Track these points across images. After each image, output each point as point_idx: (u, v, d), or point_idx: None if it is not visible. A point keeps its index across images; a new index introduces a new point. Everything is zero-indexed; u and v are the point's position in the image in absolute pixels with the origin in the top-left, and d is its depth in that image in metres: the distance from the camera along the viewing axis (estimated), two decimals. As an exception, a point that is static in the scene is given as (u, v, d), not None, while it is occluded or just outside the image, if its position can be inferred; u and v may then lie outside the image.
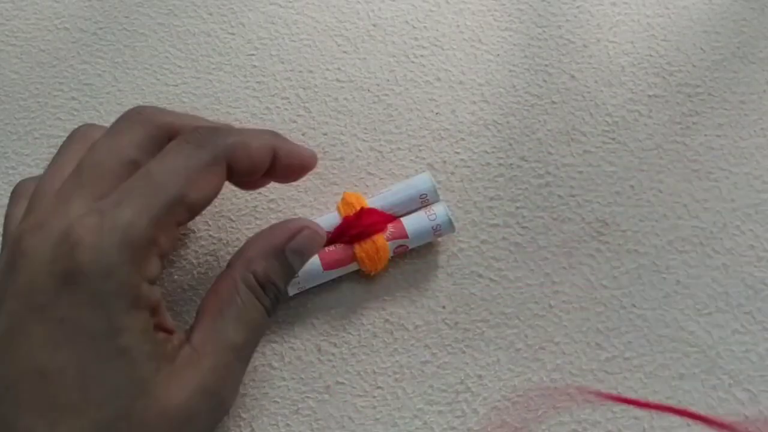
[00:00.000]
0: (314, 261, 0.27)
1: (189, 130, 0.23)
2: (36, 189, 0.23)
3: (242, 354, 0.23)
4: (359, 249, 0.27)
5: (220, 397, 0.22)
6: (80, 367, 0.20)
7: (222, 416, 0.23)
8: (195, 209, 0.22)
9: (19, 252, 0.20)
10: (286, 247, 0.24)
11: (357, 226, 0.27)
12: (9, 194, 0.31)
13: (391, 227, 0.27)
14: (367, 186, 0.30)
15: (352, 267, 0.27)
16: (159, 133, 0.23)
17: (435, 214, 0.27)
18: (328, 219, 0.27)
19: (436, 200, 0.28)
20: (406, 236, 0.27)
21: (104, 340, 0.20)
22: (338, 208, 0.28)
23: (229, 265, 0.24)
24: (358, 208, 0.27)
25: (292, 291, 0.27)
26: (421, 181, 0.28)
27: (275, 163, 0.24)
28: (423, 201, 0.28)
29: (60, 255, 0.20)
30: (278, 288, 0.24)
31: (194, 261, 0.29)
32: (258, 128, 0.26)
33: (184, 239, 0.29)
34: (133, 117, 0.23)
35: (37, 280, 0.20)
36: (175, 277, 0.28)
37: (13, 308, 0.20)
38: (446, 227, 0.27)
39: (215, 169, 0.22)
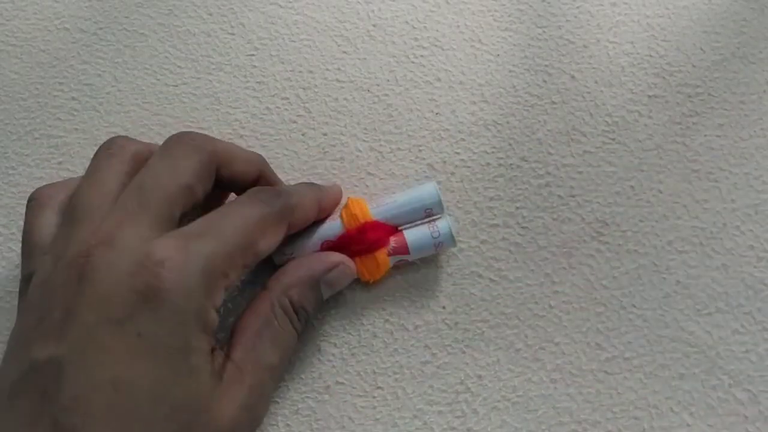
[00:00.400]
0: None
1: (258, 189, 0.25)
2: (77, 202, 0.23)
3: (275, 374, 0.25)
4: (360, 263, 0.27)
5: (257, 414, 0.24)
6: (154, 380, 0.20)
7: (255, 430, 0.25)
8: (259, 255, 0.24)
9: (90, 266, 0.21)
10: (322, 278, 0.26)
11: (360, 242, 0.27)
12: (9, 194, 0.31)
13: (393, 241, 0.27)
14: (367, 186, 0.30)
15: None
16: (210, 160, 0.24)
17: (438, 231, 0.27)
18: (332, 228, 0.27)
19: (441, 213, 0.28)
20: (407, 252, 0.27)
21: (179, 357, 0.21)
22: (341, 216, 0.27)
23: (267, 287, 0.26)
24: (362, 222, 0.27)
25: None
26: (427, 194, 0.27)
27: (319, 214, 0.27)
28: (427, 213, 0.27)
29: (143, 272, 0.21)
30: (308, 314, 0.26)
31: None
32: (303, 184, 0.28)
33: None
34: (186, 142, 0.24)
35: (116, 294, 0.20)
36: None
37: (88, 320, 0.20)
38: (448, 243, 0.27)
39: (281, 224, 0.24)
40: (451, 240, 0.27)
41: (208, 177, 0.24)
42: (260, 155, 0.27)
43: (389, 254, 0.27)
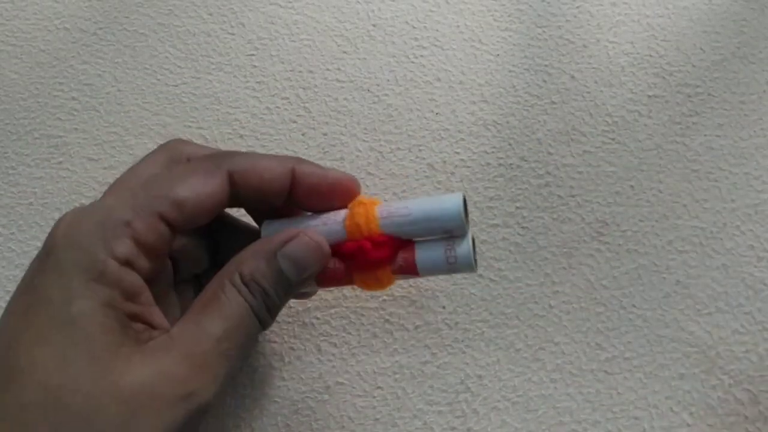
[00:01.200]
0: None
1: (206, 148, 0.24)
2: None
3: (222, 348, 0.22)
4: (359, 278, 0.24)
5: (191, 389, 0.21)
6: (33, 330, 0.20)
7: (198, 414, 0.21)
8: (183, 206, 0.22)
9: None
10: (279, 251, 0.23)
11: (362, 261, 0.24)
12: (9, 194, 0.31)
13: (401, 259, 0.24)
14: (367, 186, 0.30)
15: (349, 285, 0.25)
16: (181, 157, 0.24)
17: (456, 255, 0.23)
18: (332, 231, 0.24)
19: (463, 233, 0.23)
20: (415, 273, 0.24)
21: (59, 307, 0.20)
22: (344, 221, 0.24)
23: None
24: (365, 235, 0.23)
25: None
26: (449, 213, 0.23)
27: (297, 186, 0.24)
28: (446, 233, 0.23)
29: (50, 232, 0.22)
30: (265, 291, 0.23)
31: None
32: (283, 155, 0.25)
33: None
34: (164, 146, 0.25)
35: (34, 260, 0.22)
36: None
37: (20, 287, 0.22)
38: (465, 269, 0.23)
39: (212, 174, 0.23)
40: (469, 266, 0.23)
41: (206, 184, 0.23)
42: (294, 157, 0.25)
43: (394, 272, 0.24)
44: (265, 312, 0.23)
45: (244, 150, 0.31)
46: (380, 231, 0.23)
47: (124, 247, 0.21)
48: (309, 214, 0.25)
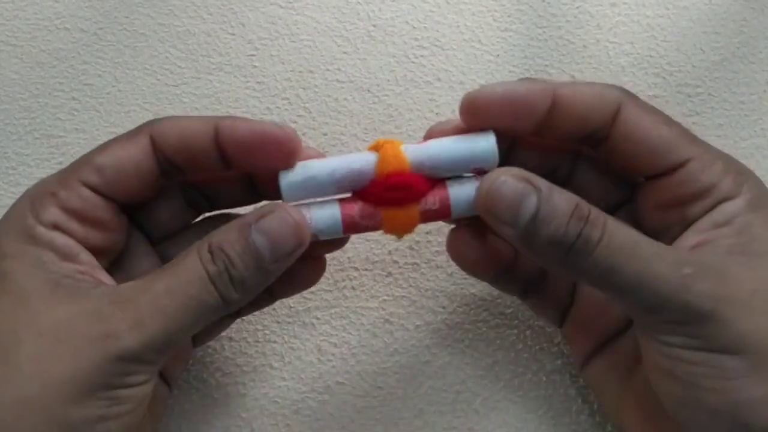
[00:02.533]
0: (335, 220, 0.23)
1: None
2: None
3: (159, 302, 0.21)
4: (388, 221, 0.23)
5: (111, 330, 0.20)
6: None
7: (120, 361, 0.20)
8: (103, 170, 0.23)
9: None
10: (253, 224, 0.22)
11: (391, 198, 0.22)
12: (9, 194, 0.31)
13: (433, 198, 0.23)
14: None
15: (375, 231, 0.24)
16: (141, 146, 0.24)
17: None
18: (359, 169, 0.22)
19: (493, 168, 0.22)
20: (448, 214, 0.23)
21: None
22: (374, 161, 0.22)
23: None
24: (396, 167, 0.22)
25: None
26: (484, 156, 0.22)
27: (223, 143, 0.22)
28: (476, 170, 0.23)
29: None
30: (230, 259, 0.21)
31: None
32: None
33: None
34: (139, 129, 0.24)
35: None
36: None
37: None
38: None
39: (132, 139, 0.23)
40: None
41: (125, 148, 0.23)
42: (216, 118, 0.23)
43: (424, 213, 0.23)
44: (227, 283, 0.21)
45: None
46: (410, 169, 0.22)
47: (50, 213, 0.22)
48: (328, 158, 0.23)
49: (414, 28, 0.33)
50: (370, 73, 0.32)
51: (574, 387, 0.27)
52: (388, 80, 0.32)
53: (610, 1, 0.33)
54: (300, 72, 0.33)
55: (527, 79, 0.23)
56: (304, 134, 0.31)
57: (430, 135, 0.24)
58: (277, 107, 0.32)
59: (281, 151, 0.22)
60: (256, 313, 0.28)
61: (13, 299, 0.21)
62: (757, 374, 0.20)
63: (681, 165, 0.22)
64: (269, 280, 0.22)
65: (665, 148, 0.22)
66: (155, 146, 0.23)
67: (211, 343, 0.27)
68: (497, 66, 0.32)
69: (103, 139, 0.31)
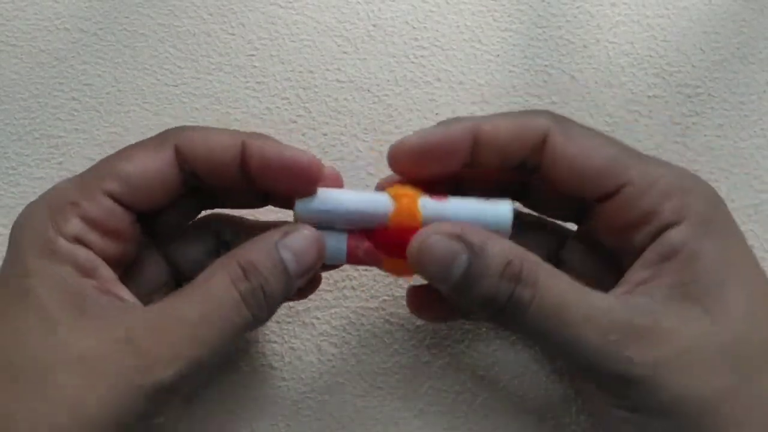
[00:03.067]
0: (341, 251, 0.23)
1: None
2: None
3: (196, 330, 0.20)
4: (389, 264, 0.24)
5: (148, 362, 0.20)
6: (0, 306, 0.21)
7: (156, 392, 0.20)
8: (128, 180, 0.22)
9: None
10: (279, 241, 0.22)
11: (397, 247, 0.23)
12: (9, 194, 0.31)
13: None
14: (367, 186, 0.30)
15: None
16: (168, 157, 0.23)
17: None
18: (375, 205, 0.23)
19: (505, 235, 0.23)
20: None
21: (14, 282, 0.21)
22: (389, 210, 0.23)
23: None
24: (407, 226, 0.22)
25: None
26: (497, 225, 0.22)
27: (249, 161, 0.22)
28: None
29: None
30: (264, 277, 0.21)
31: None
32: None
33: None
34: (157, 137, 0.24)
35: None
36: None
37: None
38: None
39: (158, 148, 0.22)
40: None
41: (150, 157, 0.22)
42: (242, 133, 0.23)
43: None
44: (261, 301, 0.21)
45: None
46: (422, 225, 0.22)
47: (72, 225, 0.21)
48: (344, 190, 0.23)
49: (414, 28, 0.33)
50: (370, 73, 0.32)
51: (574, 387, 0.27)
52: (388, 80, 0.32)
53: (610, 1, 0.33)
54: (300, 72, 0.33)
55: (448, 121, 0.23)
56: (304, 134, 0.31)
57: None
58: (277, 107, 0.32)
59: (305, 179, 0.22)
60: (256, 313, 0.28)
61: (39, 322, 0.20)
62: None
63: (616, 191, 0.22)
64: (290, 295, 0.22)
65: (596, 175, 0.22)
66: (180, 157, 0.22)
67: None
68: (497, 66, 0.32)
69: (104, 139, 0.31)
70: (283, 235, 0.22)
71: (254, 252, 0.22)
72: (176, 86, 0.32)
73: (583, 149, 0.22)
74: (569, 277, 0.21)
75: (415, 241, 0.22)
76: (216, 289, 0.21)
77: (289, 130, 0.31)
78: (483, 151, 0.22)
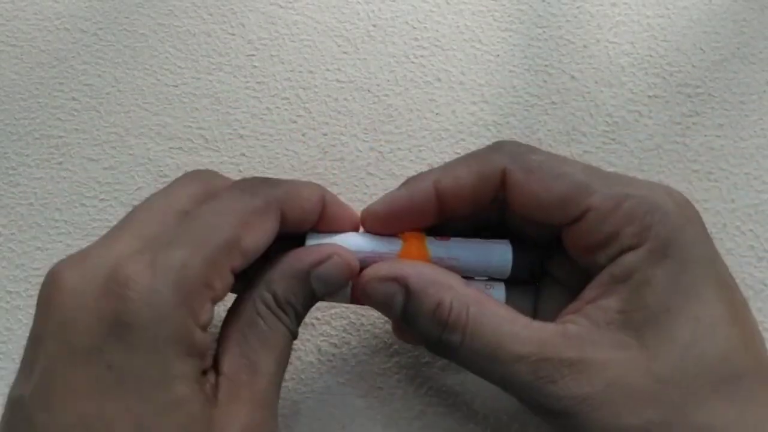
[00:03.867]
0: (345, 292, 0.24)
1: (240, 180, 0.23)
2: (135, 209, 0.22)
3: (276, 381, 0.22)
4: None
5: (267, 428, 0.21)
6: (133, 418, 0.18)
7: None
8: (248, 254, 0.21)
9: (56, 287, 0.19)
10: (312, 271, 0.22)
11: None
12: (9, 194, 0.31)
13: None
14: (367, 186, 0.30)
15: None
16: (215, 190, 0.22)
17: (491, 294, 0.24)
18: (385, 246, 0.24)
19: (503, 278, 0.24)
20: None
21: (159, 389, 0.18)
22: (398, 254, 0.23)
23: (249, 285, 0.22)
24: (418, 259, 0.23)
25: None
26: (496, 268, 0.24)
27: (324, 213, 0.23)
28: (487, 276, 0.24)
29: (108, 294, 0.18)
30: (296, 310, 0.22)
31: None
32: (305, 181, 0.24)
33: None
34: (191, 175, 0.23)
35: (81, 320, 0.18)
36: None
37: (52, 350, 0.18)
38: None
39: (268, 214, 0.21)
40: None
41: (266, 228, 0.22)
42: (320, 186, 0.24)
43: None
44: (297, 328, 0.22)
45: (247, 149, 0.31)
46: (430, 261, 0.23)
47: (207, 313, 0.20)
48: (355, 233, 0.24)
49: (414, 28, 0.33)
50: (370, 73, 0.32)
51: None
52: (388, 80, 0.32)
53: (610, 1, 0.33)
54: (300, 72, 0.33)
55: (410, 181, 0.23)
56: (304, 134, 0.31)
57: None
58: (277, 107, 0.32)
59: (350, 227, 0.24)
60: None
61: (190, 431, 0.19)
62: None
63: (579, 217, 0.22)
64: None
65: (559, 204, 0.22)
66: (281, 220, 0.22)
67: (211, 343, 0.27)
68: (497, 66, 0.32)
69: (103, 139, 0.31)
70: (316, 264, 0.22)
71: (285, 282, 0.22)
72: (176, 86, 0.32)
73: (543, 181, 0.22)
74: (507, 309, 0.22)
75: (359, 284, 0.23)
76: (275, 336, 0.22)
77: (289, 130, 0.31)
78: (449, 204, 0.23)
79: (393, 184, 0.30)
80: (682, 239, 0.21)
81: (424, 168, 0.30)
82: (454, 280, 0.22)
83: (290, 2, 0.34)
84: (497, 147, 0.23)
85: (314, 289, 0.22)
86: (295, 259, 0.22)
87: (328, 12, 0.34)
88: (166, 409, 0.18)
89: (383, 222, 0.23)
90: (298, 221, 0.23)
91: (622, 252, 0.21)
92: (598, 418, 0.20)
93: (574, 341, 0.21)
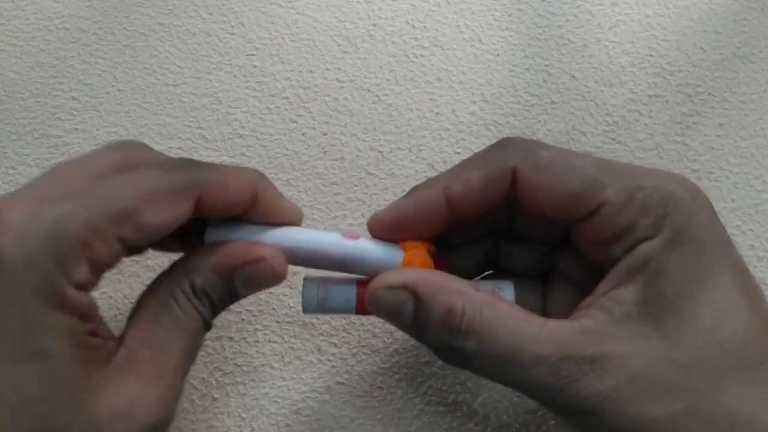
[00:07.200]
0: (350, 303, 0.23)
1: (168, 158, 0.22)
2: (52, 168, 0.22)
3: (183, 364, 0.22)
4: None
5: (164, 414, 0.21)
6: None
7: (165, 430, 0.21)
8: (146, 231, 0.20)
9: None
10: (239, 270, 0.22)
11: None
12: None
13: None
14: (367, 186, 0.30)
15: None
16: (138, 162, 0.22)
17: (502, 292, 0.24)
18: (391, 255, 0.23)
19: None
20: None
21: (18, 339, 0.18)
22: (401, 262, 0.23)
23: (170, 269, 0.22)
24: (421, 267, 0.23)
25: (309, 309, 0.24)
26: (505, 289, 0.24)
27: (254, 209, 0.22)
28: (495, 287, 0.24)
29: None
30: (213, 302, 0.22)
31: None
32: (242, 167, 0.24)
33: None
34: (119, 143, 0.23)
35: None
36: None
37: None
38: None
39: (180, 198, 0.21)
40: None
41: (174, 209, 0.21)
42: (256, 173, 0.23)
43: None
44: (211, 319, 0.22)
45: (245, 150, 0.31)
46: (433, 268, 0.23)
47: (84, 272, 0.19)
48: (277, 228, 0.23)
49: (414, 27, 0.33)
50: (370, 73, 0.32)
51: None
52: (388, 80, 0.32)
53: (610, 1, 0.33)
54: (300, 72, 0.33)
55: (418, 188, 0.23)
56: (304, 134, 0.31)
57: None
58: (277, 107, 0.32)
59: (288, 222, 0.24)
60: (256, 313, 0.28)
61: (56, 388, 0.19)
62: None
63: (595, 211, 0.21)
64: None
65: (572, 201, 0.21)
66: (198, 206, 0.21)
67: (210, 343, 0.28)
68: (497, 65, 0.32)
69: (103, 139, 0.31)
70: (242, 264, 0.22)
71: (207, 274, 0.22)
72: (176, 86, 0.32)
73: (554, 178, 0.21)
74: (520, 310, 0.21)
75: (367, 293, 0.22)
76: (187, 320, 0.22)
77: (289, 130, 0.31)
78: (460, 210, 0.22)
79: (393, 184, 0.30)
80: (695, 226, 0.21)
81: (424, 168, 0.30)
82: (465, 285, 0.21)
83: (290, 2, 0.34)
84: (504, 145, 0.22)
85: (237, 288, 0.22)
86: (223, 256, 0.22)
87: (328, 11, 0.34)
88: (24, 358, 0.18)
89: (388, 230, 0.23)
90: (223, 208, 0.22)
91: (638, 243, 0.21)
92: (623, 412, 0.20)
93: (593, 337, 0.20)
